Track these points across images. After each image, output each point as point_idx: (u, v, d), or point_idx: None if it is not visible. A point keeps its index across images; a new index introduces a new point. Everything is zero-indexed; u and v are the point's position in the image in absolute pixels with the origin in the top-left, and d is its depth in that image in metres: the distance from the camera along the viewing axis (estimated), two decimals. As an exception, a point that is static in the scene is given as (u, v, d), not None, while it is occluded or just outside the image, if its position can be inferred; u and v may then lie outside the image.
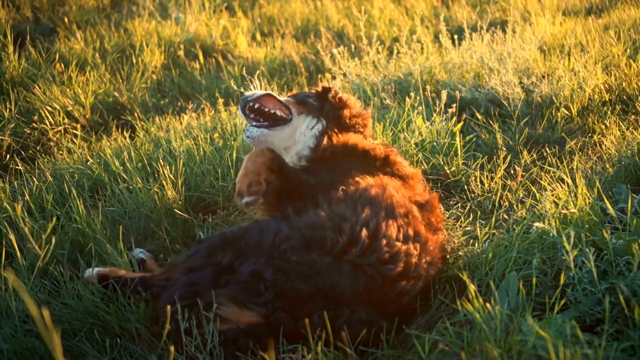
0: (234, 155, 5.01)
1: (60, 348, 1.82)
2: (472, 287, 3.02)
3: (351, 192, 3.69)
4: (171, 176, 4.77)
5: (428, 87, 5.86)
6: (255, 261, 3.29)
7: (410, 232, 3.55)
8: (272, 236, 3.38)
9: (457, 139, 5.07)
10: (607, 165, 4.69)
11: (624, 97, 5.91)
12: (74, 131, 6.25)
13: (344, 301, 3.25)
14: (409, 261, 3.44)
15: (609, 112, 5.66)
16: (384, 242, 3.42)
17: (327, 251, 3.32)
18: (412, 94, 5.65)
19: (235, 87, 6.49)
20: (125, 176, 4.89)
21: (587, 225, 3.70)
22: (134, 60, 7.94)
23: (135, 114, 6.73)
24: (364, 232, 3.40)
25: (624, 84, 6.03)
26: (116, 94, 7.13)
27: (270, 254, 3.31)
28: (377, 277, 3.34)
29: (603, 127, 5.44)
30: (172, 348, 2.73)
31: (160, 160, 4.94)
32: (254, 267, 3.26)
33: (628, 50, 6.85)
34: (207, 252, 3.46)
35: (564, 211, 3.81)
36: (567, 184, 4.11)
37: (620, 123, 5.37)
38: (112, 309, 3.63)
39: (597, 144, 5.24)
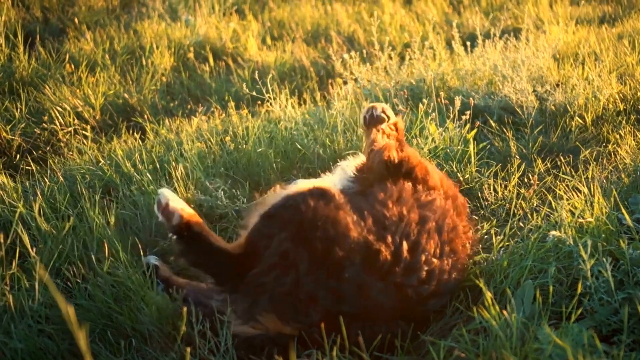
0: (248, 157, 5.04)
1: (87, 342, 1.85)
2: (488, 295, 3.04)
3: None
4: (182, 178, 4.79)
5: (442, 93, 5.88)
6: (314, 279, 3.33)
7: (447, 248, 3.60)
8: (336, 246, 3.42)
9: (471, 146, 5.09)
10: (623, 175, 4.70)
11: (639, 107, 5.93)
12: (84, 132, 6.29)
13: (381, 317, 3.32)
14: (441, 279, 3.50)
15: (623, 122, 5.67)
16: (423, 258, 3.47)
17: (377, 271, 3.38)
18: (425, 101, 5.67)
19: (246, 91, 6.51)
20: (137, 177, 4.92)
21: (603, 235, 3.72)
22: (144, 62, 7.97)
23: (145, 116, 6.75)
24: (405, 247, 3.45)
25: (639, 93, 6.04)
26: (126, 95, 7.16)
27: (328, 269, 3.36)
28: (414, 296, 3.40)
29: (618, 136, 5.45)
30: (188, 349, 2.76)
31: (175, 161, 4.96)
32: (310, 287, 3.31)
33: (643, 60, 6.87)
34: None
35: (580, 220, 3.83)
36: (583, 193, 4.13)
37: (636, 132, 5.38)
38: (125, 310, 3.66)
39: (612, 154, 5.25)
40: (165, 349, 3.55)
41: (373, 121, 4.41)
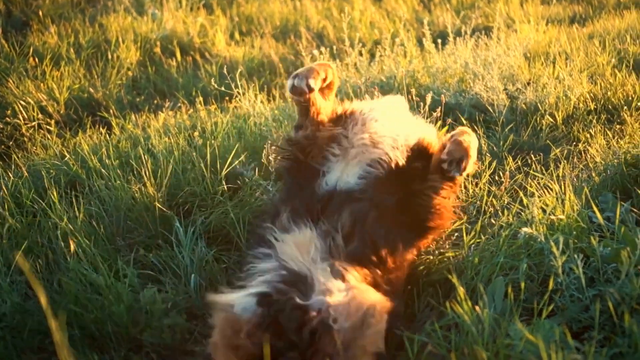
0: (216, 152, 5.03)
1: (64, 334, 1.86)
2: (461, 290, 3.08)
3: None
4: (151, 173, 4.78)
5: (412, 90, 5.92)
6: None
7: None
8: None
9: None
10: (593, 174, 4.77)
11: (609, 107, 6.01)
12: (48, 127, 6.24)
13: None
14: None
15: (594, 121, 5.75)
16: None
17: None
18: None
19: (214, 86, 6.51)
20: (104, 172, 4.91)
21: (574, 232, 3.77)
22: (110, 56, 7.95)
23: (111, 111, 6.72)
24: None
25: (609, 93, 6.13)
26: (91, 89, 7.13)
27: None
28: None
29: (588, 135, 5.53)
30: None
31: (142, 157, 4.95)
32: None
33: (613, 60, 6.96)
34: None
35: (551, 217, 3.89)
36: (554, 190, 4.19)
37: (607, 131, 5.46)
38: (91, 308, 3.66)
39: (583, 153, 5.32)
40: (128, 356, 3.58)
41: None
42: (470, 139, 3.79)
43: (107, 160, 5.05)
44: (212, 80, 6.58)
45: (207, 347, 3.25)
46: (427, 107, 5.37)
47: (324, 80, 4.14)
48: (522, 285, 3.34)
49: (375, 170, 3.79)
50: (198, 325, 3.85)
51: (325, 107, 4.15)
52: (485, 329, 3.03)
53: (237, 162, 4.97)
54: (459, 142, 3.73)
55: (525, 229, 3.75)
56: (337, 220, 3.49)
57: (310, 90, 3.97)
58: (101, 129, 6.00)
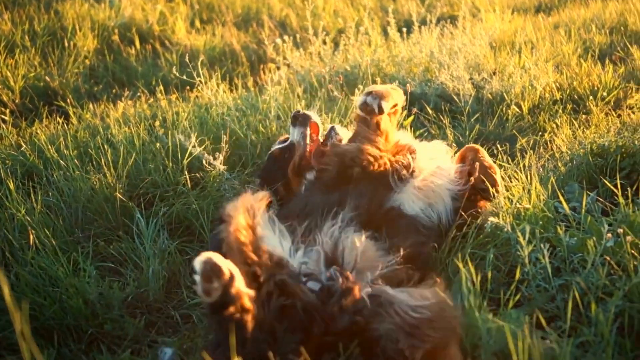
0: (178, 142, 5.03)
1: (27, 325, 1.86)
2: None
3: None
4: (111, 164, 4.77)
5: (377, 80, 5.96)
6: None
7: None
8: None
9: (408, 132, 5.17)
10: (559, 164, 4.84)
11: (575, 97, 6.08)
12: (3, 116, 6.20)
13: None
14: None
15: (560, 111, 5.82)
16: None
17: None
18: (360, 87, 5.73)
19: (175, 75, 6.50)
20: (62, 163, 4.89)
21: (541, 222, 3.83)
22: (66, 44, 7.90)
23: (68, 100, 6.68)
24: None
25: (574, 83, 6.21)
26: (47, 78, 7.09)
27: None
28: None
29: (554, 125, 5.59)
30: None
31: (101, 147, 4.94)
32: None
33: (579, 49, 7.06)
34: None
35: (518, 207, 3.94)
36: (521, 180, 4.25)
37: (572, 121, 5.53)
38: (49, 301, 3.66)
39: (549, 143, 5.39)
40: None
41: None
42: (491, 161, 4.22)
43: (65, 151, 5.03)
44: (173, 69, 6.56)
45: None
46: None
47: (394, 106, 4.23)
48: (489, 275, 3.39)
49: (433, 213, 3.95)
50: (160, 317, 3.86)
51: (389, 130, 4.19)
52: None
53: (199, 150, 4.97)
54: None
55: (492, 219, 3.80)
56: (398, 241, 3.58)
57: (380, 112, 4.04)
58: (58, 118, 5.97)
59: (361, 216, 3.61)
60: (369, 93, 4.07)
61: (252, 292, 2.87)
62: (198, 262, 2.75)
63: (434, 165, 4.08)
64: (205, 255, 2.77)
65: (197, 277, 2.75)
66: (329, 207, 3.64)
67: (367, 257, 3.31)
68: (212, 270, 2.74)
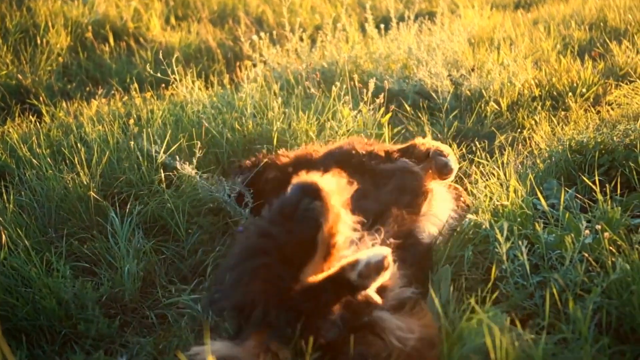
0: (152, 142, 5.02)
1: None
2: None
3: None
4: (84, 162, 4.76)
5: (355, 76, 5.98)
6: None
7: None
8: None
9: (386, 130, 5.20)
10: (538, 161, 4.87)
11: (554, 93, 6.13)
12: (-26, 115, 6.19)
13: None
14: None
15: (539, 108, 5.86)
16: None
17: None
18: (338, 84, 5.74)
19: (150, 72, 6.48)
20: (34, 162, 4.87)
21: (519, 219, 3.86)
22: (39, 41, 7.86)
23: (41, 98, 6.65)
24: None
25: (554, 79, 6.25)
26: (19, 76, 7.06)
27: None
28: None
29: (533, 122, 5.63)
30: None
31: (75, 145, 4.93)
32: None
33: (558, 45, 7.11)
34: None
35: (496, 204, 3.97)
36: (499, 177, 4.28)
37: (552, 118, 5.57)
38: (21, 302, 3.65)
39: (527, 139, 5.42)
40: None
41: None
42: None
43: (37, 149, 5.01)
44: (147, 66, 6.54)
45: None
46: (369, 93, 5.43)
47: None
48: (466, 273, 3.43)
49: None
50: (135, 317, 3.86)
51: None
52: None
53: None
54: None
55: (470, 216, 3.83)
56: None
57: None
58: (31, 117, 5.94)
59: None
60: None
61: None
62: None
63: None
64: None
65: None
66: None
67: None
68: None
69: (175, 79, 5.93)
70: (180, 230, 4.46)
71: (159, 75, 5.96)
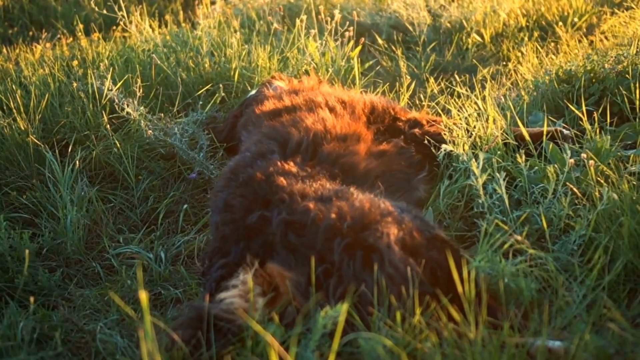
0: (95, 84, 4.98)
1: None
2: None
3: None
4: (22, 107, 4.73)
5: (322, 9, 5.94)
6: None
7: None
8: None
9: (355, 64, 5.17)
10: (523, 93, 4.86)
11: (543, 23, 6.12)
12: None
13: None
14: None
15: (525, 39, 5.85)
16: None
17: None
18: (303, 17, 5.71)
19: (99, 12, 6.42)
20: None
21: (499, 152, 3.84)
22: (-25, -16, 7.79)
23: (-22, 45, 6.61)
24: None
25: (542, 8, 6.24)
26: (-46, 20, 7.00)
27: None
28: None
29: (519, 54, 5.62)
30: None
31: (12, 89, 4.89)
32: None
33: (548, -28, 7.09)
34: None
35: (474, 134, 3.96)
36: (477, 108, 4.26)
37: (539, 49, 5.55)
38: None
39: (513, 72, 5.41)
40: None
41: None
42: None
43: (-29, 95, 4.98)
44: (92, 2, 6.47)
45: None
46: (333, 23, 5.39)
47: None
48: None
49: None
50: (80, 270, 3.85)
51: None
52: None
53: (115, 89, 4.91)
54: None
55: (445, 146, 3.80)
56: None
57: None
58: (-33, 63, 5.90)
59: None
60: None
61: None
62: None
63: None
64: None
65: None
66: None
67: None
68: None
69: (122, 15, 5.88)
70: (130, 177, 4.43)
71: (105, 12, 5.90)
